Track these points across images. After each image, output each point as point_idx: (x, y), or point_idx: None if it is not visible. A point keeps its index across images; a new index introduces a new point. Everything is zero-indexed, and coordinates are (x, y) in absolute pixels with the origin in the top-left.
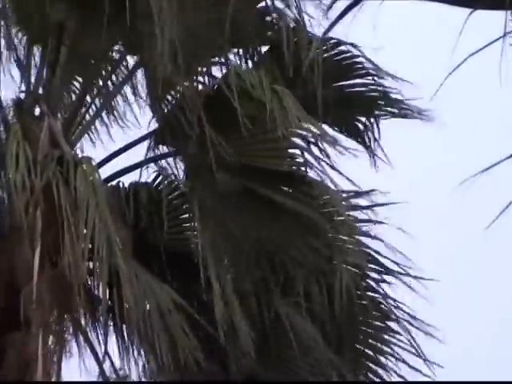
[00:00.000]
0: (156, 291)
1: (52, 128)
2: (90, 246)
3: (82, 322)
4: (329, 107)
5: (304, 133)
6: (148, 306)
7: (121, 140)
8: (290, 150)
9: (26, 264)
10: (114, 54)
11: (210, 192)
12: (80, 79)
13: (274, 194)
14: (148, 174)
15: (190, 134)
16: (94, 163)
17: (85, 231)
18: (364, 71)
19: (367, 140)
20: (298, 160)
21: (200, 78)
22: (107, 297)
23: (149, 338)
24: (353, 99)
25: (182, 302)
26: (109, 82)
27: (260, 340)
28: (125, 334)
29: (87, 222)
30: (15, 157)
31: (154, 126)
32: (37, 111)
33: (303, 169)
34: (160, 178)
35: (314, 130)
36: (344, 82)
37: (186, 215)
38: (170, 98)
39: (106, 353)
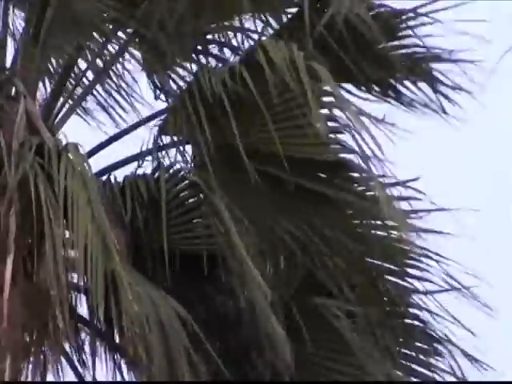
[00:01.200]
0: (158, 304)
1: (30, 111)
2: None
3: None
4: (368, 72)
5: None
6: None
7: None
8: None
9: None
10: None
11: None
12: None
13: (312, 184)
14: (145, 168)
15: (203, 121)
16: (82, 151)
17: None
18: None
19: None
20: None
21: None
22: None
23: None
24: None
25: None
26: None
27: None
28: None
29: (77, 223)
30: None
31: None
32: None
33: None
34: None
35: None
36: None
37: (197, 211)
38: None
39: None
